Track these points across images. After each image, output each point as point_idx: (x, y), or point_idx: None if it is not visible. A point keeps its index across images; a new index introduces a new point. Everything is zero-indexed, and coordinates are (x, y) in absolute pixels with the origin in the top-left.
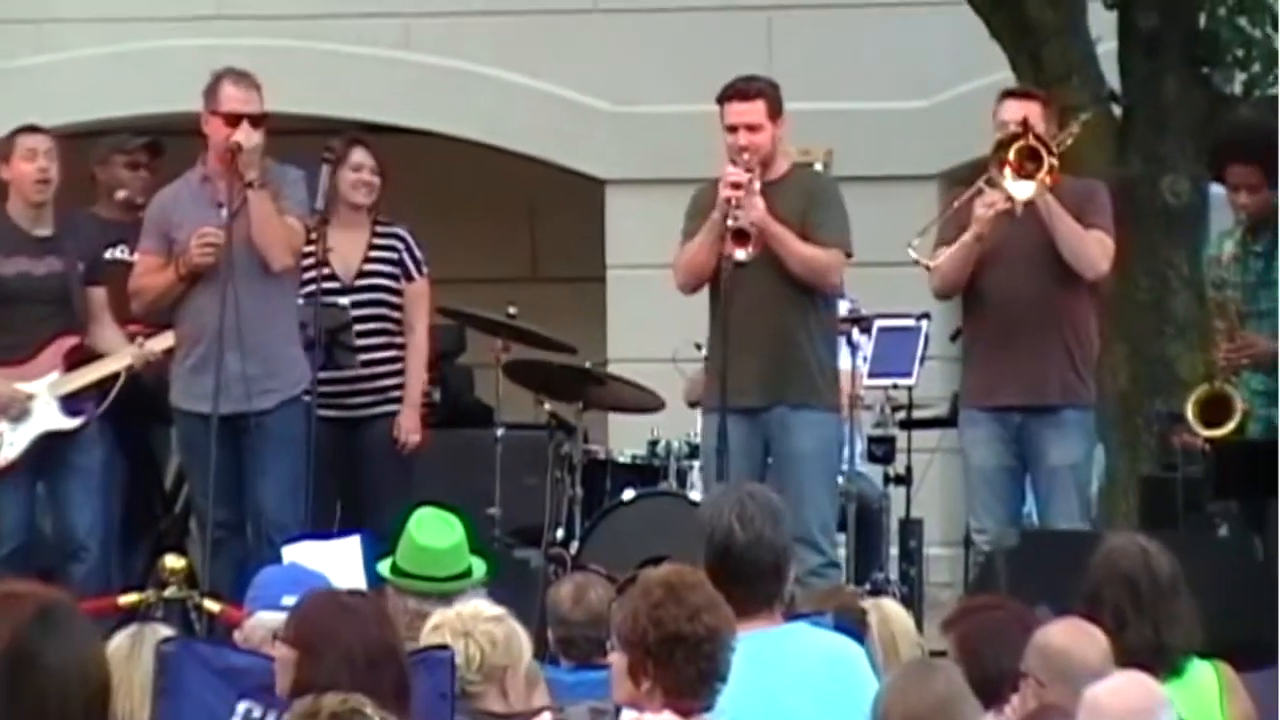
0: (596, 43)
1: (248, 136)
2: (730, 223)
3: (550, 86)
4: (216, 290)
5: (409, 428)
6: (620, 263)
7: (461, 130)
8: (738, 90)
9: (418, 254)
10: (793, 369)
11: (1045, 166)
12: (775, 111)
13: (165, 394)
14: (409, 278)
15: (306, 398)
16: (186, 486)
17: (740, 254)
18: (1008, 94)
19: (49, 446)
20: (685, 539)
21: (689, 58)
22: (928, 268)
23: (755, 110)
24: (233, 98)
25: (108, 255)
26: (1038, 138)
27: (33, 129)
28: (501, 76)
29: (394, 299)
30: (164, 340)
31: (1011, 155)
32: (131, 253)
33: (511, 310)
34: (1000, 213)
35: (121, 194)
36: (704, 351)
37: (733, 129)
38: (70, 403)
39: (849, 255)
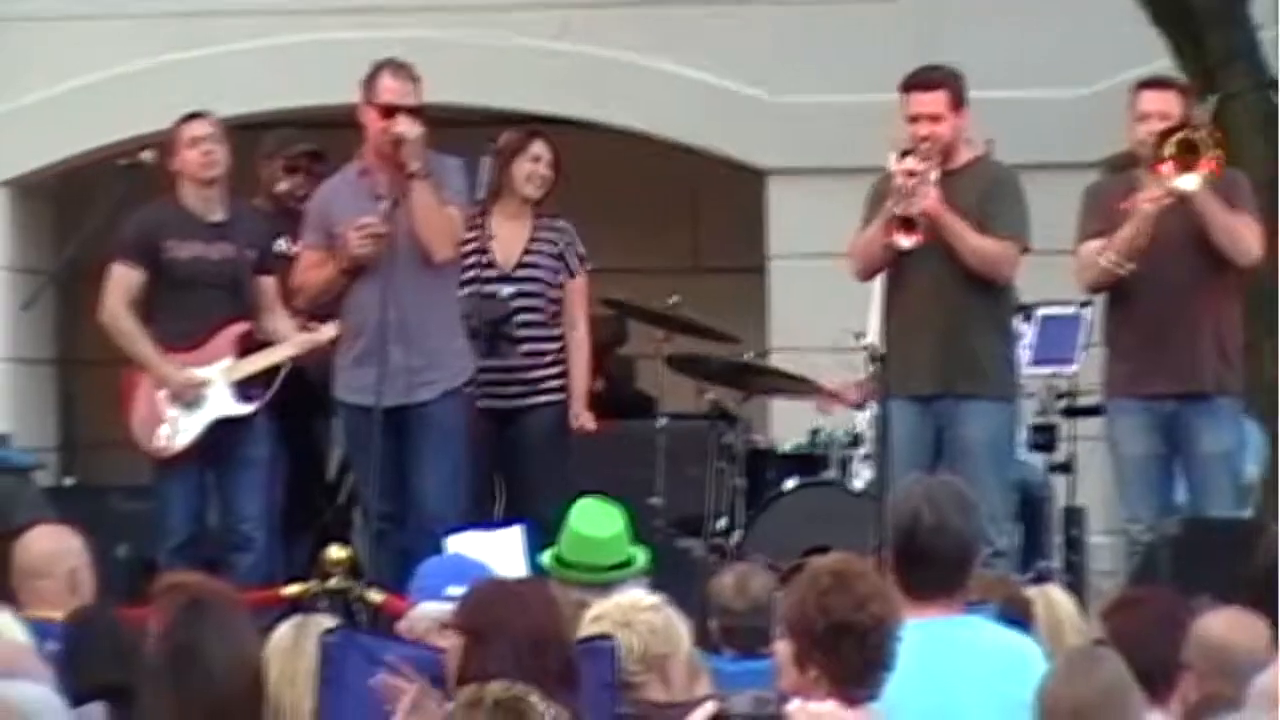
0: (756, 32)
1: (410, 128)
2: (897, 209)
3: (710, 77)
4: (378, 283)
5: (584, 415)
6: (781, 253)
7: (621, 121)
8: (920, 80)
9: (579, 249)
10: (963, 357)
11: (1207, 157)
12: (958, 102)
13: (328, 386)
14: (570, 273)
15: (469, 389)
16: (350, 477)
17: (905, 241)
18: (1144, 85)
19: (219, 436)
20: (848, 528)
21: (849, 46)
22: (1119, 271)
23: (937, 100)
24: (389, 89)
25: (275, 247)
26: (1195, 129)
27: (196, 115)
28: (660, 67)
29: (552, 292)
30: (330, 329)
31: (1173, 149)
32: (293, 245)
33: (673, 300)
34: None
35: (283, 186)
36: (865, 340)
37: (914, 119)
38: (243, 389)
39: (1025, 249)
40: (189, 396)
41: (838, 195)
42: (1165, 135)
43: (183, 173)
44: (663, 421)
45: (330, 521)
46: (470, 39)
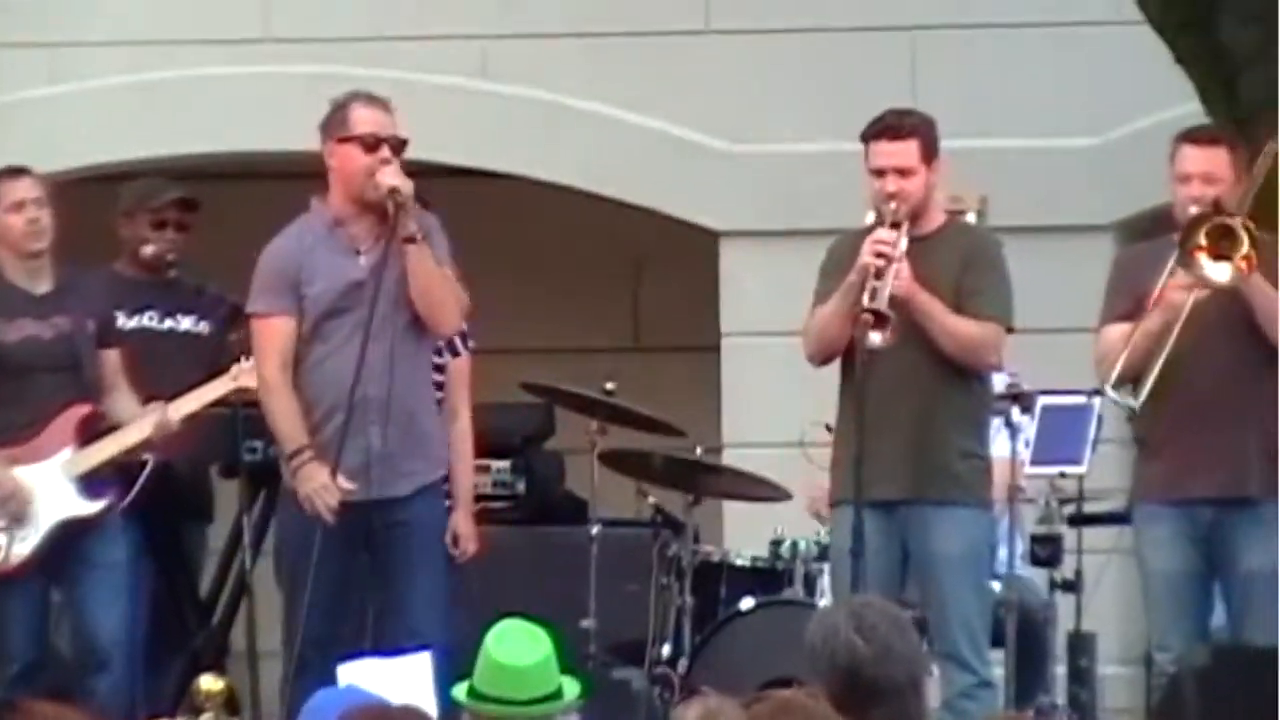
0: (710, 69)
1: (403, 182)
2: (867, 300)
3: (655, 121)
4: (351, 352)
5: (465, 533)
6: (738, 329)
7: (550, 174)
8: (887, 126)
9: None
10: (936, 459)
11: (1244, 244)
12: (930, 153)
13: (201, 484)
14: (453, 351)
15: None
16: (225, 594)
17: (875, 337)
18: (1188, 138)
19: (66, 541)
20: None
21: (819, 86)
22: (1133, 412)
23: (907, 151)
24: (368, 120)
25: (134, 322)
26: (1231, 215)
27: (16, 171)
28: (597, 110)
29: (435, 375)
30: (187, 404)
31: (1203, 239)
32: (164, 319)
33: (609, 386)
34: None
35: (149, 250)
36: (833, 436)
37: (880, 172)
38: (90, 484)
39: (1010, 330)
40: (13, 507)
41: (804, 261)
42: (1197, 222)
43: (2, 240)
44: (596, 529)
45: (203, 646)
46: (375, 76)
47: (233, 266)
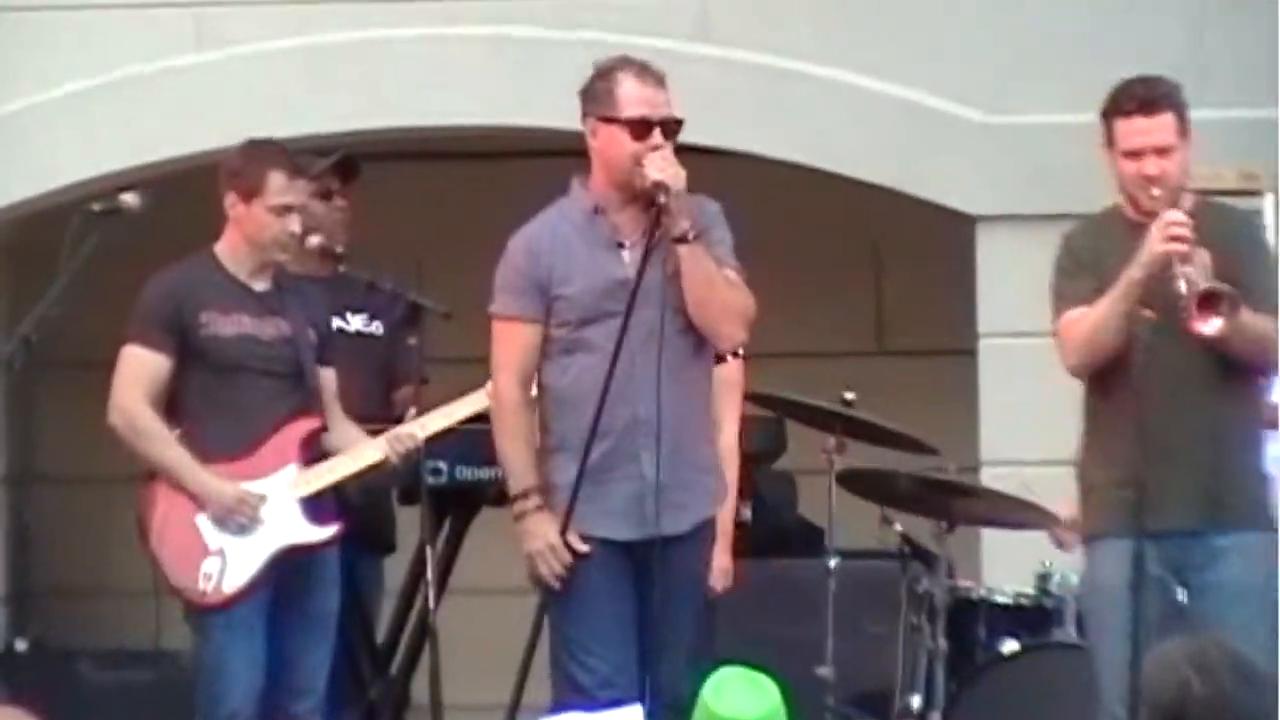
0: (961, 27)
1: (675, 171)
2: (1185, 288)
3: (898, 89)
4: (620, 368)
5: (723, 568)
6: (997, 328)
7: (776, 150)
8: (1139, 100)
9: None
10: (1227, 480)
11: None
12: (1186, 126)
13: (379, 511)
14: (717, 355)
15: None
16: (404, 639)
17: (1215, 323)
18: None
19: (286, 572)
20: (1089, 708)
21: (1092, 46)
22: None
23: (1164, 127)
24: (637, 99)
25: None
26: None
27: (296, 167)
28: (830, 76)
29: None
30: (434, 422)
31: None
32: (372, 321)
33: (848, 395)
34: None
35: (315, 240)
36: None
37: (1136, 154)
38: (314, 508)
39: None
40: (241, 518)
41: None
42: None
43: (243, 229)
44: (834, 561)
45: (379, 699)
46: (575, 38)
47: (404, 256)
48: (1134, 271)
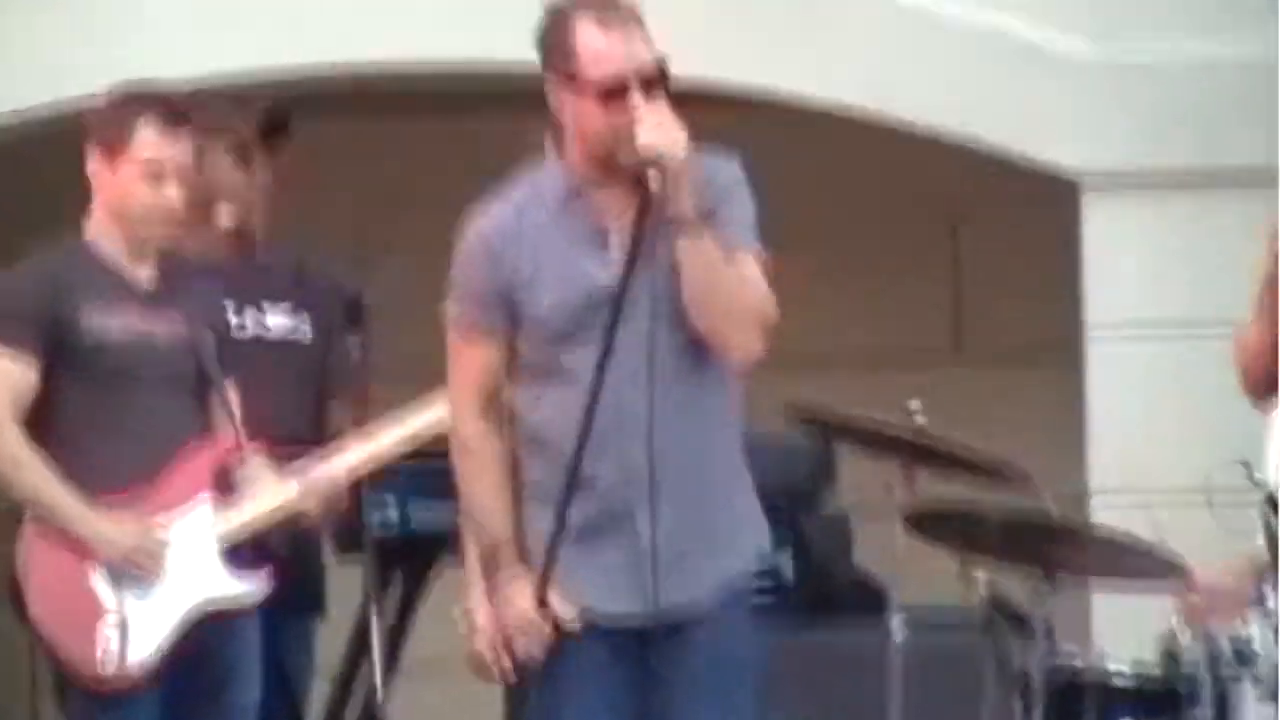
0: None
1: (673, 134)
2: None
3: (979, 12)
4: (611, 395)
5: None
6: (1109, 320)
7: (823, 91)
8: None
9: None
10: None
11: None
12: None
13: (307, 563)
14: None
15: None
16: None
17: None
18: None
19: (203, 639)
20: None
21: None
22: None
23: None
24: (600, 54)
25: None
26: None
27: (175, 115)
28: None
29: None
30: (368, 448)
31: None
32: (241, 312)
33: (915, 408)
34: None
35: (226, 215)
36: (1259, 478)
37: None
38: (236, 557)
39: None
40: (144, 568)
41: (1215, 222)
42: None
43: (108, 201)
44: (900, 627)
45: None
46: None
47: (342, 233)
48: None
